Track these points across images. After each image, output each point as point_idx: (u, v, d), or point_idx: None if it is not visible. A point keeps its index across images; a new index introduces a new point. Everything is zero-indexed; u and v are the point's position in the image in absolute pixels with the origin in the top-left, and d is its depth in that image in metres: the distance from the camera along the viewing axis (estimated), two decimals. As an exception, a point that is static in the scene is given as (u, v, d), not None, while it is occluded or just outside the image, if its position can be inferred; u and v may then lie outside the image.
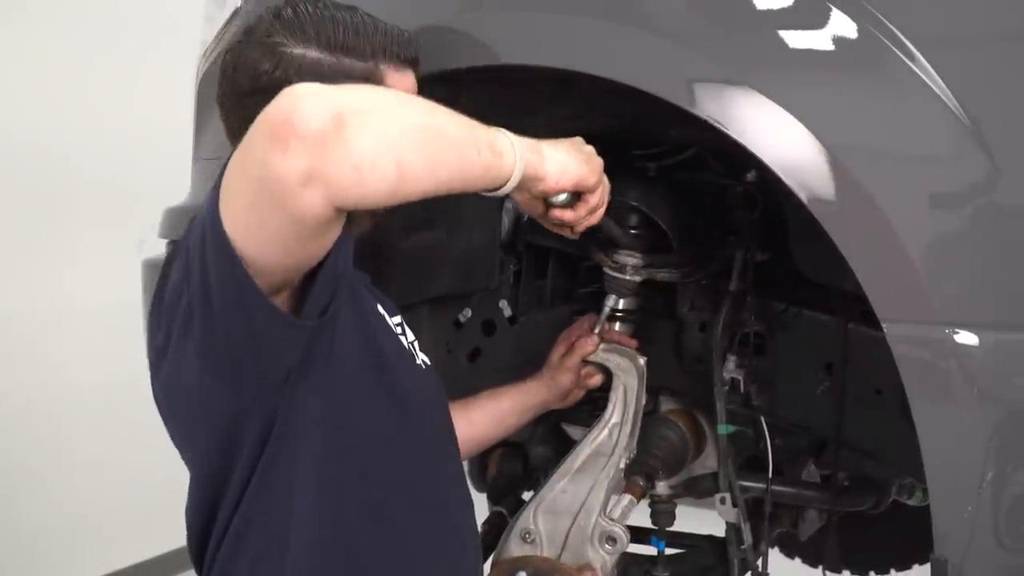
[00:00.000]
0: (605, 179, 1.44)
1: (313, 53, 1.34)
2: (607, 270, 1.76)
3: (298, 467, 1.30)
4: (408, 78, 1.43)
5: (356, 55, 1.36)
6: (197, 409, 1.29)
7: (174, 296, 1.26)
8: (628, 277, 1.75)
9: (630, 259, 1.75)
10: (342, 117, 1.06)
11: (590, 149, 1.41)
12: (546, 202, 1.40)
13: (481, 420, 1.77)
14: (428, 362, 1.52)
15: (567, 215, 1.42)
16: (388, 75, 1.39)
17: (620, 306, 1.80)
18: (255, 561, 1.31)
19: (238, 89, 1.36)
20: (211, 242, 1.15)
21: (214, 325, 1.19)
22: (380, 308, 1.46)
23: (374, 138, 1.09)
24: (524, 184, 1.30)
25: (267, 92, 1.32)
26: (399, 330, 1.49)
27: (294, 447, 1.29)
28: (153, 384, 1.35)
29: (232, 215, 1.13)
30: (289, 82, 1.30)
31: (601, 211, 1.45)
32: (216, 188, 1.16)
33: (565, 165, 1.35)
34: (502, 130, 1.28)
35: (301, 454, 1.30)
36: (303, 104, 1.06)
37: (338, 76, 1.34)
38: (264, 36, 1.35)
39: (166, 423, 1.37)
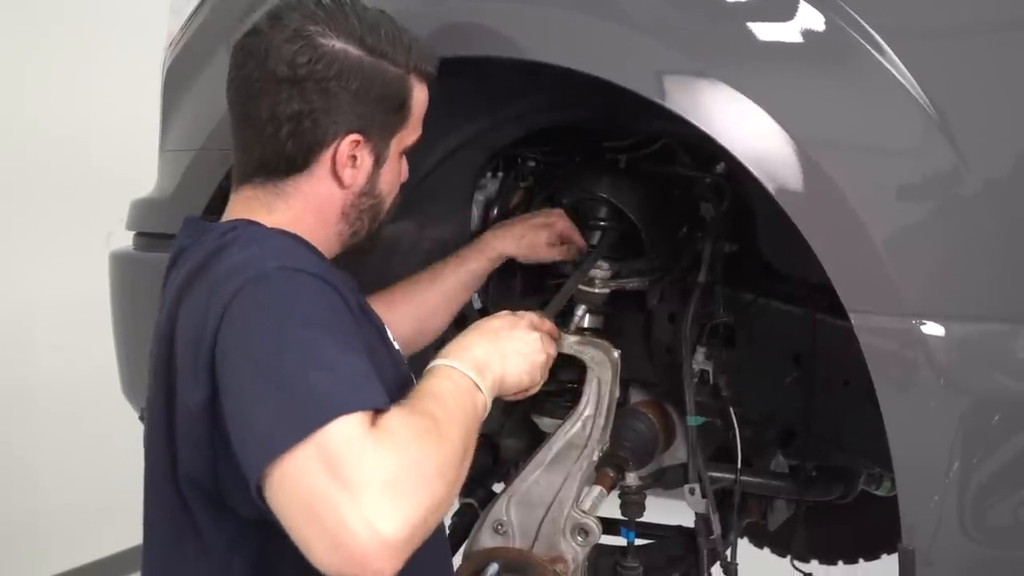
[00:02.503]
0: (551, 351, 1.50)
1: (355, 51, 1.34)
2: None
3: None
4: (425, 92, 1.44)
5: (391, 61, 1.36)
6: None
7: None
8: (597, 291, 1.75)
9: (598, 271, 1.76)
10: (403, 552, 1.08)
11: (534, 345, 1.45)
12: None
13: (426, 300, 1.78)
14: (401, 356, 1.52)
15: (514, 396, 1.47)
16: (415, 87, 1.41)
17: (587, 323, 1.81)
18: None
19: (269, 75, 1.32)
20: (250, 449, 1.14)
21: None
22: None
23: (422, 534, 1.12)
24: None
25: (304, 83, 1.31)
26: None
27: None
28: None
29: (276, 497, 1.10)
30: (327, 78, 1.31)
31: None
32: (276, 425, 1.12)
33: (506, 384, 1.40)
34: (477, 387, 1.31)
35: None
36: (380, 559, 1.06)
37: (374, 77, 1.34)
38: (301, 24, 1.32)
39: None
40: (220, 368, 1.18)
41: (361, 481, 1.06)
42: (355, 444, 1.08)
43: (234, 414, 1.16)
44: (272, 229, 1.35)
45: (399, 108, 1.39)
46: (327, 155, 1.36)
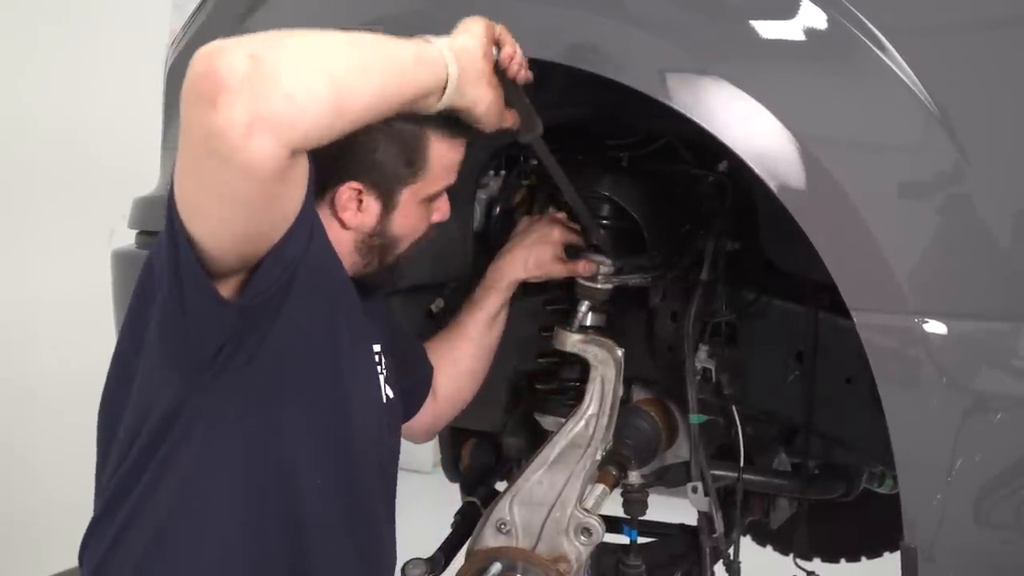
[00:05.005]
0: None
1: None
2: (579, 279, 1.76)
3: (214, 472, 1.31)
4: (457, 151, 1.44)
5: (405, 117, 1.33)
6: (142, 388, 1.32)
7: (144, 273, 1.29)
8: (600, 286, 1.75)
9: (601, 267, 1.76)
10: (258, 54, 1.06)
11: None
12: (500, 74, 1.36)
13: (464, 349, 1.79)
14: (391, 395, 1.54)
15: (507, 52, 1.36)
16: (433, 144, 1.40)
17: (590, 321, 1.81)
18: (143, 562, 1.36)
19: None
20: (164, 223, 1.17)
21: (158, 298, 1.22)
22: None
23: (296, 62, 1.09)
24: (465, 69, 1.28)
25: None
26: (376, 358, 1.51)
27: (214, 449, 1.31)
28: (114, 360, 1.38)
29: (184, 195, 1.14)
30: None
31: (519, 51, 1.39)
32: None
33: (466, 36, 1.31)
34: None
35: (218, 455, 1.31)
36: (218, 58, 1.06)
37: (380, 132, 1.35)
38: None
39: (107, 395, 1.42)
40: None
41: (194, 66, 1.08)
42: None
43: None
44: None
45: (409, 163, 1.40)
46: (329, 197, 1.40)
